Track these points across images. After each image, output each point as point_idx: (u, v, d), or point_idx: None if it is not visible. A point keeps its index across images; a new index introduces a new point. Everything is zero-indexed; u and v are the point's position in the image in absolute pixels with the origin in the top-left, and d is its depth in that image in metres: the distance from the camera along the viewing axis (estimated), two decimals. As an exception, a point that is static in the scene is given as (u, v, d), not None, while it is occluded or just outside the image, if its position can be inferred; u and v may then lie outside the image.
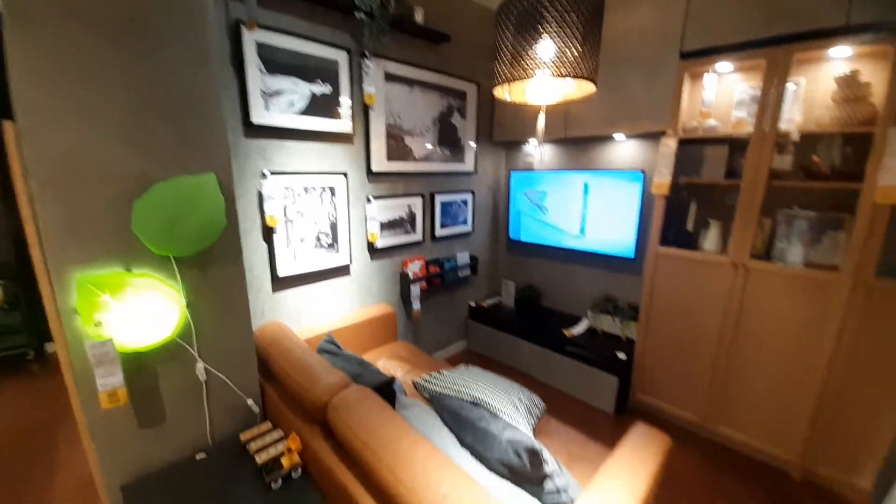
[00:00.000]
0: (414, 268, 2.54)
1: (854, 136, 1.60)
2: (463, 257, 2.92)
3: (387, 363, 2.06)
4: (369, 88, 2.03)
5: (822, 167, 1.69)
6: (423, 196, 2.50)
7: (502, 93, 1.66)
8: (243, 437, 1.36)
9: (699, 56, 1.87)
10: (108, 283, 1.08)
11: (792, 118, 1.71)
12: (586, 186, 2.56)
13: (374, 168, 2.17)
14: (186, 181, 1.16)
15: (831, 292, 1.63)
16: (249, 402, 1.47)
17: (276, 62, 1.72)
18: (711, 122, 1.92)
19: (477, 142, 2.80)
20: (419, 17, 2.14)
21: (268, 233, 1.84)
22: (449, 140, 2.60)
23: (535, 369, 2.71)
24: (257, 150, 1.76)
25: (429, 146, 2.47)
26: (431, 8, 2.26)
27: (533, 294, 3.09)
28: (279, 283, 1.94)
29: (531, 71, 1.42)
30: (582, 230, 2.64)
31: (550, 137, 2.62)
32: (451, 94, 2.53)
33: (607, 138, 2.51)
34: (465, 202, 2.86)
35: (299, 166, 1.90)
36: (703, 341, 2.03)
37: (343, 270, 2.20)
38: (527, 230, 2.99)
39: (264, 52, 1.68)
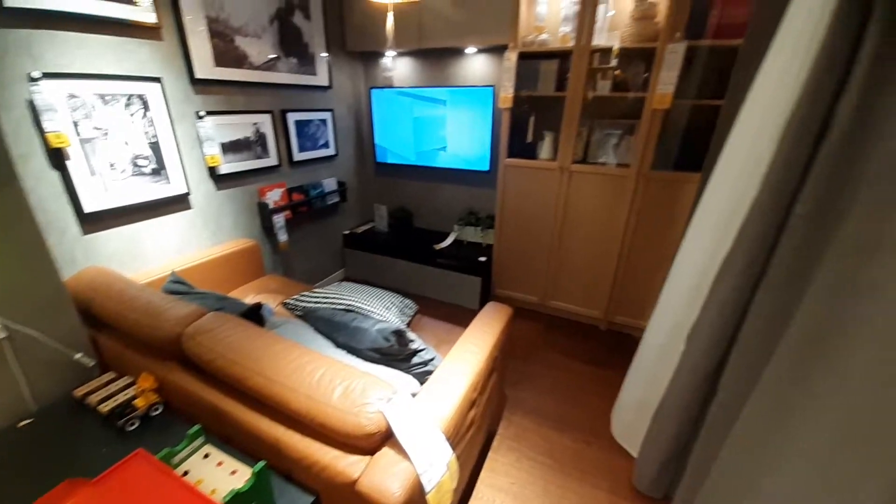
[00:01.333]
0: (274, 196, 2.33)
1: (646, 51, 1.95)
2: (329, 183, 2.79)
3: (256, 298, 1.94)
4: (172, -35, 1.60)
5: (626, 79, 2.05)
6: (271, 113, 2.22)
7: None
8: (78, 392, 1.18)
9: (533, -33, 1.97)
10: None
11: (604, 35, 1.98)
12: (445, 103, 2.61)
13: (199, 74, 1.81)
14: None
15: (625, 184, 2.10)
16: (78, 356, 1.25)
17: None
18: (544, 36, 2.10)
19: (329, 51, 2.54)
20: None
21: (56, 157, 1.44)
22: (294, 46, 2.29)
23: (411, 285, 2.90)
24: (16, 42, 1.29)
25: (270, 52, 2.14)
26: None
27: (405, 215, 3.18)
28: (90, 222, 1.58)
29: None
30: (444, 147, 2.74)
31: (405, 48, 2.54)
32: (289, -13, 2.18)
33: (460, 52, 2.55)
34: (324, 122, 2.65)
35: (87, 66, 1.47)
36: (541, 236, 2.43)
37: (180, 202, 1.89)
38: (393, 151, 2.97)
39: None
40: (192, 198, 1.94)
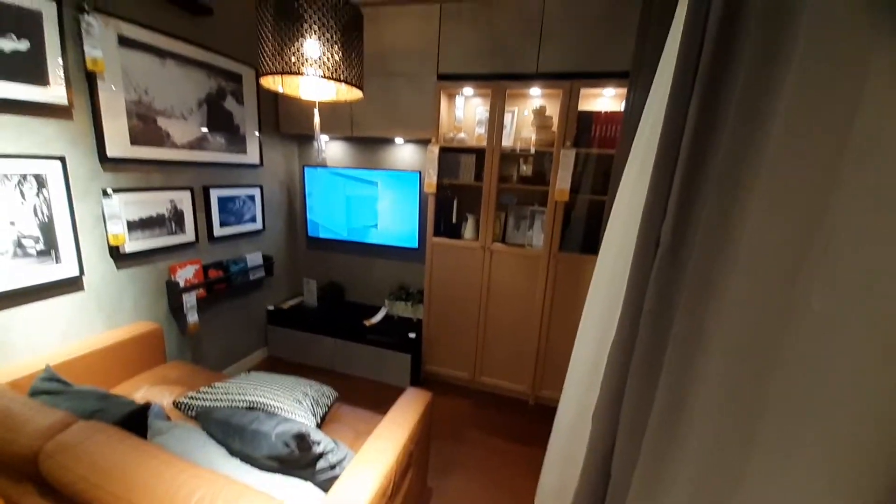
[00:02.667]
0: (186, 274, 2.19)
1: (545, 153, 2.26)
2: (254, 258, 2.70)
3: (150, 391, 1.72)
4: (94, 52, 1.62)
5: (530, 174, 2.34)
6: (191, 190, 2.17)
7: (272, 83, 1.62)
8: None
9: (451, 80, 2.28)
10: None
11: (511, 138, 2.29)
12: (375, 184, 2.75)
13: (112, 153, 1.75)
14: None
15: (539, 264, 2.29)
16: None
17: None
18: (462, 135, 2.37)
19: (261, 132, 2.62)
20: (167, -20, 1.83)
21: (-90, 240, 1.26)
22: (224, 128, 2.33)
23: (338, 363, 2.77)
24: None
25: (197, 132, 2.16)
26: (186, -27, 1.96)
27: (335, 290, 3.13)
28: (-56, 312, 1.36)
29: (295, 66, 1.45)
30: (375, 224, 2.83)
31: (338, 135, 2.70)
32: (222, 74, 2.27)
33: (390, 141, 2.77)
34: (251, 198, 2.63)
35: (-27, 146, 1.37)
36: (468, 311, 2.51)
37: (70, 284, 1.71)
38: (326, 226, 3.00)
39: None
40: (85, 279, 1.76)
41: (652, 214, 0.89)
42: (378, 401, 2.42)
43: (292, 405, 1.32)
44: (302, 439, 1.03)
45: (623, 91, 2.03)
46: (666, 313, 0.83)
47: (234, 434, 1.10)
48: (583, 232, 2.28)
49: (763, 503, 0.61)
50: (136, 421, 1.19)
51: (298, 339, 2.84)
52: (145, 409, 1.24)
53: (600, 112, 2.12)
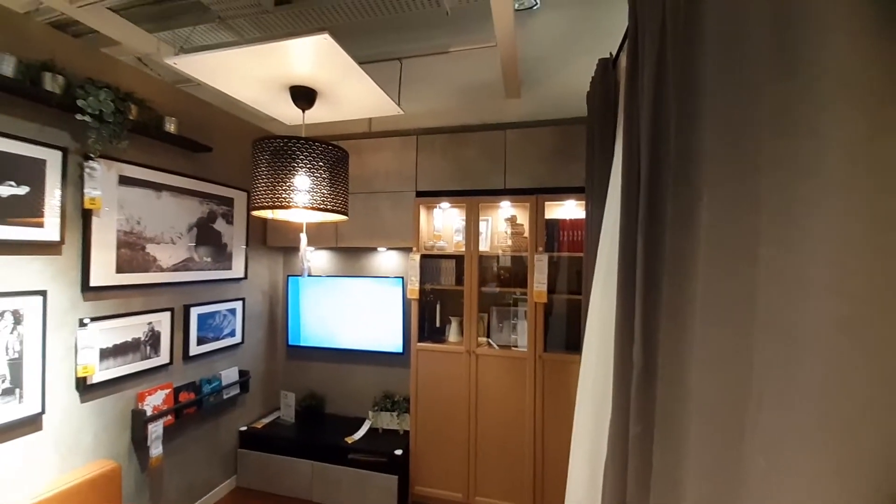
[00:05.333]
0: (154, 400, 2.06)
1: (521, 257, 2.41)
2: (229, 374, 2.58)
3: (96, 549, 1.50)
4: (93, 192, 1.74)
5: (508, 276, 2.46)
6: (171, 311, 2.16)
7: (264, 214, 1.75)
8: None
9: (428, 196, 2.51)
10: None
11: (488, 244, 2.46)
12: (359, 290, 2.80)
13: (95, 282, 1.77)
14: None
15: (525, 365, 2.28)
16: None
17: (-75, 155, 1.29)
18: (442, 242, 2.54)
19: (248, 246, 2.71)
20: (171, 126, 2.06)
21: None
22: (211, 246, 2.42)
23: (316, 491, 2.50)
24: None
25: (183, 254, 2.22)
26: (189, 118, 2.22)
27: (315, 402, 2.96)
28: None
29: (288, 203, 1.58)
30: (359, 330, 2.81)
31: (323, 246, 2.82)
32: (215, 200, 2.43)
33: (373, 249, 2.90)
34: (232, 311, 2.62)
35: (-46, 288, 1.37)
36: (457, 420, 2.39)
37: (29, 424, 1.57)
38: (308, 334, 2.95)
39: None
40: (45, 417, 1.63)
41: (623, 336, 0.95)
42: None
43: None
44: None
45: (582, 201, 2.28)
46: (648, 435, 0.84)
47: None
48: (565, 330, 2.33)
49: None
50: None
51: (272, 463, 2.58)
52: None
53: (566, 219, 2.34)
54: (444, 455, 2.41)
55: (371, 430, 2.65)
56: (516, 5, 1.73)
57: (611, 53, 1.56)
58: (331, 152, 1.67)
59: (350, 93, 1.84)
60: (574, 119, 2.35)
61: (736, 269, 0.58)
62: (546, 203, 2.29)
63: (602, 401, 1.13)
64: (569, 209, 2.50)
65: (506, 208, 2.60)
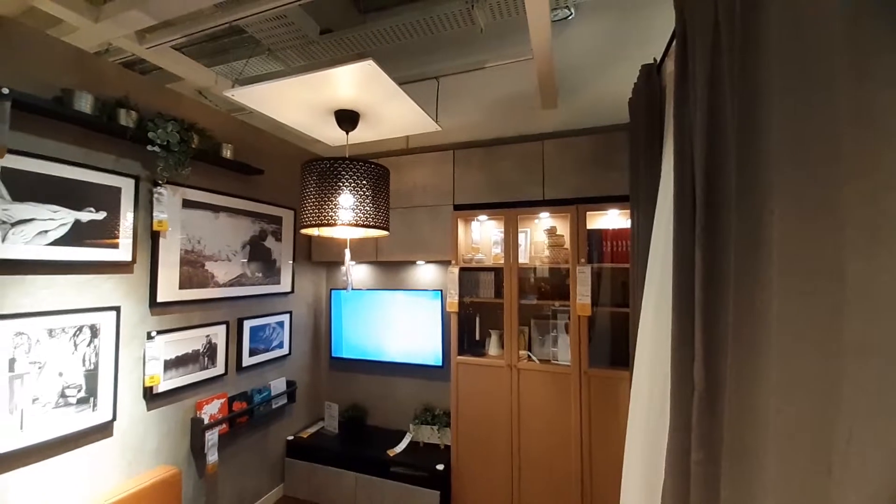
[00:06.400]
0: (211, 409, 2.18)
1: (562, 269, 2.36)
2: (278, 385, 2.68)
3: (160, 551, 1.59)
4: (161, 215, 1.90)
5: (549, 288, 2.41)
6: (227, 324, 2.29)
7: (311, 231, 1.83)
8: None
9: (466, 209, 2.52)
10: None
11: (527, 255, 2.43)
12: (399, 303, 2.85)
13: (161, 298, 1.92)
14: None
15: (569, 381, 2.20)
16: None
17: (27, 188, 1.47)
18: (480, 255, 2.53)
19: (294, 261, 2.84)
20: (227, 153, 2.22)
21: (-30, 400, 1.34)
22: (262, 262, 2.55)
23: (361, 502, 2.52)
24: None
25: (237, 270, 2.36)
26: (243, 144, 2.38)
27: (358, 414, 3.01)
28: (-21, 472, 1.36)
29: (334, 221, 1.65)
30: (399, 343, 2.84)
31: (364, 260, 2.90)
32: (265, 219, 2.57)
33: (411, 263, 2.95)
34: (280, 324, 2.74)
35: (44, 305, 1.53)
36: (499, 435, 2.34)
37: (101, 431, 1.71)
38: (350, 346, 3.02)
39: (10, 176, 1.42)
40: (116, 423, 1.77)
41: (681, 355, 0.90)
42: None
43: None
44: None
45: (625, 211, 2.20)
46: (713, 462, 0.78)
47: None
48: (609, 345, 2.24)
49: None
50: None
51: (318, 473, 2.64)
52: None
53: (608, 229, 2.26)
54: (486, 472, 2.37)
55: (412, 444, 2.66)
56: (552, 17, 1.73)
57: (655, 59, 1.51)
58: (373, 170, 1.73)
59: (390, 113, 1.90)
60: (613, 126, 2.29)
61: (817, 286, 0.53)
62: (587, 213, 2.23)
63: (658, 422, 1.06)
64: (611, 218, 2.42)
65: (545, 219, 2.56)
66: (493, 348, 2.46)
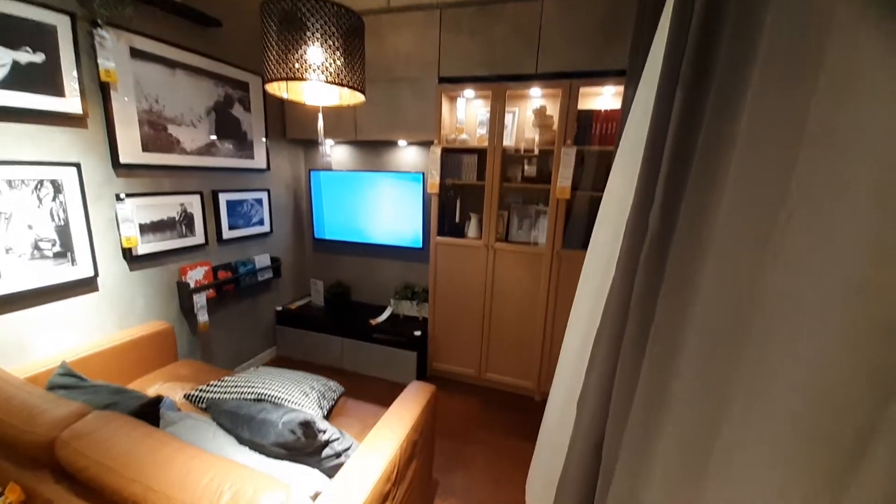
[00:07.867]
0: (196, 275, 2.25)
1: (547, 152, 2.29)
2: (262, 259, 2.75)
3: (162, 387, 1.78)
4: (107, 63, 1.69)
5: (533, 173, 2.37)
6: (201, 194, 2.24)
7: (277, 89, 1.67)
8: None
9: (452, 82, 2.32)
10: None
11: (512, 138, 2.32)
12: (380, 185, 2.80)
13: (124, 160, 1.82)
14: None
15: (542, 261, 2.31)
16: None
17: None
18: (464, 136, 2.41)
19: (268, 138, 2.68)
20: (176, -7, 1.91)
21: (-63, 243, 1.33)
22: (232, 134, 2.40)
23: (346, 362, 2.81)
24: None
25: (205, 138, 2.23)
26: (195, -14, 2.04)
27: (342, 290, 3.17)
28: (-31, 311, 1.43)
29: (299, 73, 1.50)
30: (380, 225, 2.88)
31: (342, 139, 2.76)
32: (230, 83, 2.34)
33: (393, 143, 2.81)
34: (259, 201, 2.70)
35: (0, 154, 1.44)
36: (473, 309, 2.53)
37: (85, 285, 1.77)
38: (332, 228, 3.05)
39: None
40: (99, 280, 1.82)
41: (642, 203, 0.91)
42: (385, 397, 2.41)
43: (299, 397, 1.36)
44: (308, 427, 1.07)
45: (621, 89, 2.05)
46: (651, 301, 0.85)
47: (243, 423, 1.14)
48: (585, 228, 2.29)
49: (734, 484, 0.63)
50: (149, 413, 1.24)
51: (307, 338, 2.89)
52: (157, 401, 1.28)
53: (600, 110, 2.14)
54: (459, 338, 2.61)
55: (393, 316, 2.87)
56: None
57: None
58: (345, 16, 1.51)
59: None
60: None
61: (784, 142, 0.51)
62: (581, 90, 2.08)
63: (606, 274, 1.13)
64: (606, 98, 2.27)
65: (535, 98, 2.39)
66: (472, 231, 2.51)
